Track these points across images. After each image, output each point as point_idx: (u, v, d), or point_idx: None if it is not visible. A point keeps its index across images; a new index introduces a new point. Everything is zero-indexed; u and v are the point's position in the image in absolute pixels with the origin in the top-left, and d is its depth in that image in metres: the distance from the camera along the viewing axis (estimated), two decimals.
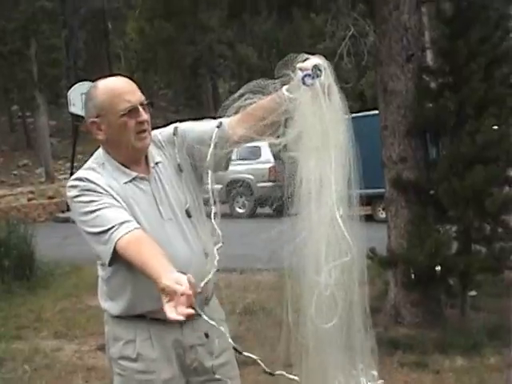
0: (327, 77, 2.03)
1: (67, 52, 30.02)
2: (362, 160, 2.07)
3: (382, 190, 6.36)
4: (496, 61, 5.89)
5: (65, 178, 23.54)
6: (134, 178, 2.26)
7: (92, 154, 2.35)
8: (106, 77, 2.31)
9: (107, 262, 2.12)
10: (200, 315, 1.91)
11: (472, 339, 5.34)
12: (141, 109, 2.21)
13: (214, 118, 2.31)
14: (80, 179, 2.21)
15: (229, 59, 33.72)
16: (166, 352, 2.27)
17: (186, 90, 37.21)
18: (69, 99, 16.94)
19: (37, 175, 27.35)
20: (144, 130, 2.23)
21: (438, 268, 5.75)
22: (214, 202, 2.21)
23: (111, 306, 2.30)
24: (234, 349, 2.04)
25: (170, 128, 2.38)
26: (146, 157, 2.31)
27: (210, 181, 2.21)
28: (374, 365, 2.11)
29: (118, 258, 2.09)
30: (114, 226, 2.08)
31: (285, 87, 2.09)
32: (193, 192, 2.34)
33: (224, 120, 2.25)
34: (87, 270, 8.80)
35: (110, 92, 2.21)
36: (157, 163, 2.32)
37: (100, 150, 2.31)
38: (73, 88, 16.94)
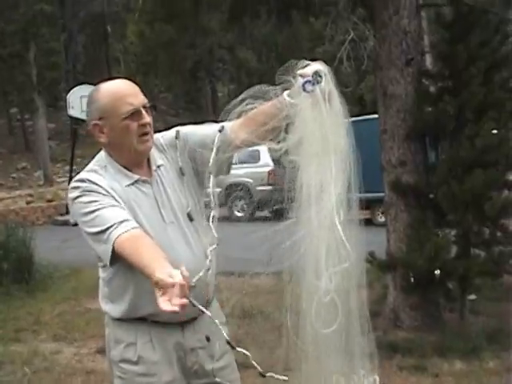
0: (328, 83, 2.03)
1: (66, 55, 29.99)
2: (361, 164, 2.07)
3: (380, 194, 6.36)
4: (495, 65, 5.90)
5: (63, 181, 23.56)
6: (136, 181, 2.26)
7: (92, 157, 2.35)
8: (106, 80, 2.31)
9: (108, 262, 2.11)
10: (194, 305, 1.90)
11: (471, 343, 5.34)
12: (143, 111, 2.21)
13: (215, 122, 2.32)
14: (82, 180, 2.22)
15: (228, 63, 33.78)
16: (167, 355, 2.27)
17: (186, 93, 37.25)
18: (68, 102, 16.97)
19: (35, 178, 27.34)
20: (146, 133, 2.23)
21: (437, 272, 5.75)
22: (214, 206, 2.21)
23: (112, 309, 2.30)
24: (228, 343, 2.04)
25: (172, 131, 2.38)
26: (148, 160, 2.31)
27: (211, 185, 2.22)
28: (375, 369, 2.11)
29: (118, 258, 2.08)
30: (112, 225, 2.08)
31: (286, 92, 2.10)
32: (194, 195, 2.35)
33: (226, 124, 2.25)
34: (86, 273, 8.81)
35: (113, 95, 2.21)
36: (159, 166, 2.32)
37: (102, 153, 2.32)
38: (72, 91, 16.97)
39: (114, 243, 2.05)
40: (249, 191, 17.02)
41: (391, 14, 6.06)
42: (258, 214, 16.69)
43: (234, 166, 2.42)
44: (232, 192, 16.60)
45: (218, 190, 2.26)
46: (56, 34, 28.50)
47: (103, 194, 2.17)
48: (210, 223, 2.18)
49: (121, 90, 2.23)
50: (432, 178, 5.97)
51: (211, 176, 2.22)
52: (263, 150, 15.74)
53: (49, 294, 8.43)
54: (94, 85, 2.33)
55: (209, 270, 2.12)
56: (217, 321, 2.07)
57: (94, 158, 2.34)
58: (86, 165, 2.33)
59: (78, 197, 2.19)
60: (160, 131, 2.40)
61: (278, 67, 2.11)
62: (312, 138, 2.04)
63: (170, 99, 39.03)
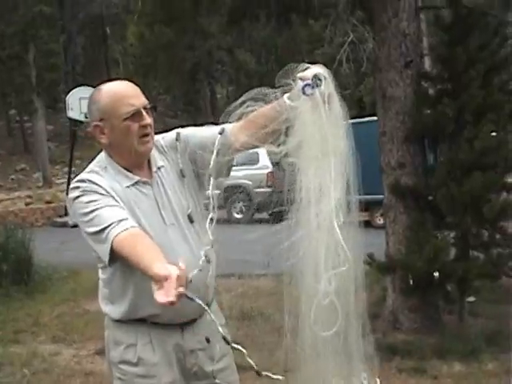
0: (327, 86, 2.03)
1: (65, 57, 30.01)
2: (360, 166, 2.08)
3: (379, 196, 6.36)
4: (495, 67, 5.90)
5: (62, 183, 23.54)
6: (136, 182, 2.26)
7: (91, 159, 2.35)
8: (106, 81, 2.32)
9: (107, 262, 2.11)
10: (192, 299, 1.90)
11: (470, 345, 5.34)
12: (144, 113, 2.22)
13: (214, 124, 2.32)
14: (82, 181, 2.22)
15: (227, 65, 33.76)
16: (167, 356, 2.27)
17: (185, 95, 37.23)
18: (67, 104, 16.99)
19: (34, 180, 27.35)
20: (147, 134, 2.24)
21: (436, 274, 5.75)
22: (213, 208, 2.22)
23: (112, 310, 2.30)
24: (224, 338, 2.05)
25: (173, 133, 2.38)
26: (149, 161, 2.31)
27: (211, 187, 2.22)
28: (376, 372, 2.11)
29: (117, 257, 2.08)
30: (111, 225, 2.08)
31: (286, 95, 2.10)
32: (194, 197, 2.35)
33: (226, 126, 2.25)
34: (85, 275, 8.81)
35: (114, 96, 2.21)
36: (159, 168, 2.32)
37: (102, 154, 2.32)
38: (71, 93, 16.99)
39: (112, 242, 2.06)
40: (247, 193, 17.02)
41: (390, 17, 6.06)
42: (257, 216, 16.69)
43: (232, 168, 2.42)
44: (231, 194, 16.61)
45: (217, 192, 2.26)
46: (55, 36, 28.49)
47: (103, 194, 2.17)
48: (207, 225, 2.19)
49: (122, 91, 2.23)
50: (431, 180, 5.97)
51: (211, 178, 2.22)
52: (262, 152, 15.73)
53: (48, 296, 8.43)
54: (94, 86, 2.33)
55: (201, 270, 2.11)
56: (213, 315, 2.08)
57: (92, 159, 2.34)
58: (85, 166, 2.33)
59: (77, 197, 2.19)
60: (159, 133, 2.40)
61: (278, 69, 2.11)
62: (311, 140, 2.04)
63: (168, 101, 39.02)
